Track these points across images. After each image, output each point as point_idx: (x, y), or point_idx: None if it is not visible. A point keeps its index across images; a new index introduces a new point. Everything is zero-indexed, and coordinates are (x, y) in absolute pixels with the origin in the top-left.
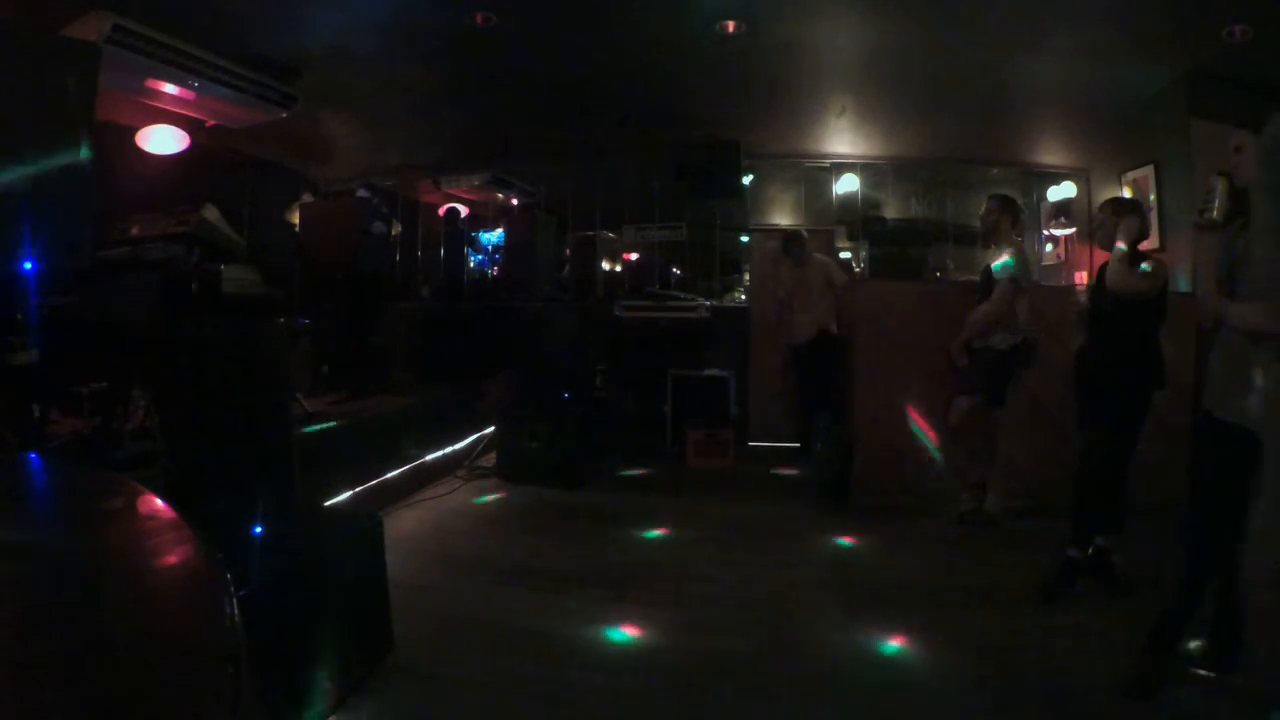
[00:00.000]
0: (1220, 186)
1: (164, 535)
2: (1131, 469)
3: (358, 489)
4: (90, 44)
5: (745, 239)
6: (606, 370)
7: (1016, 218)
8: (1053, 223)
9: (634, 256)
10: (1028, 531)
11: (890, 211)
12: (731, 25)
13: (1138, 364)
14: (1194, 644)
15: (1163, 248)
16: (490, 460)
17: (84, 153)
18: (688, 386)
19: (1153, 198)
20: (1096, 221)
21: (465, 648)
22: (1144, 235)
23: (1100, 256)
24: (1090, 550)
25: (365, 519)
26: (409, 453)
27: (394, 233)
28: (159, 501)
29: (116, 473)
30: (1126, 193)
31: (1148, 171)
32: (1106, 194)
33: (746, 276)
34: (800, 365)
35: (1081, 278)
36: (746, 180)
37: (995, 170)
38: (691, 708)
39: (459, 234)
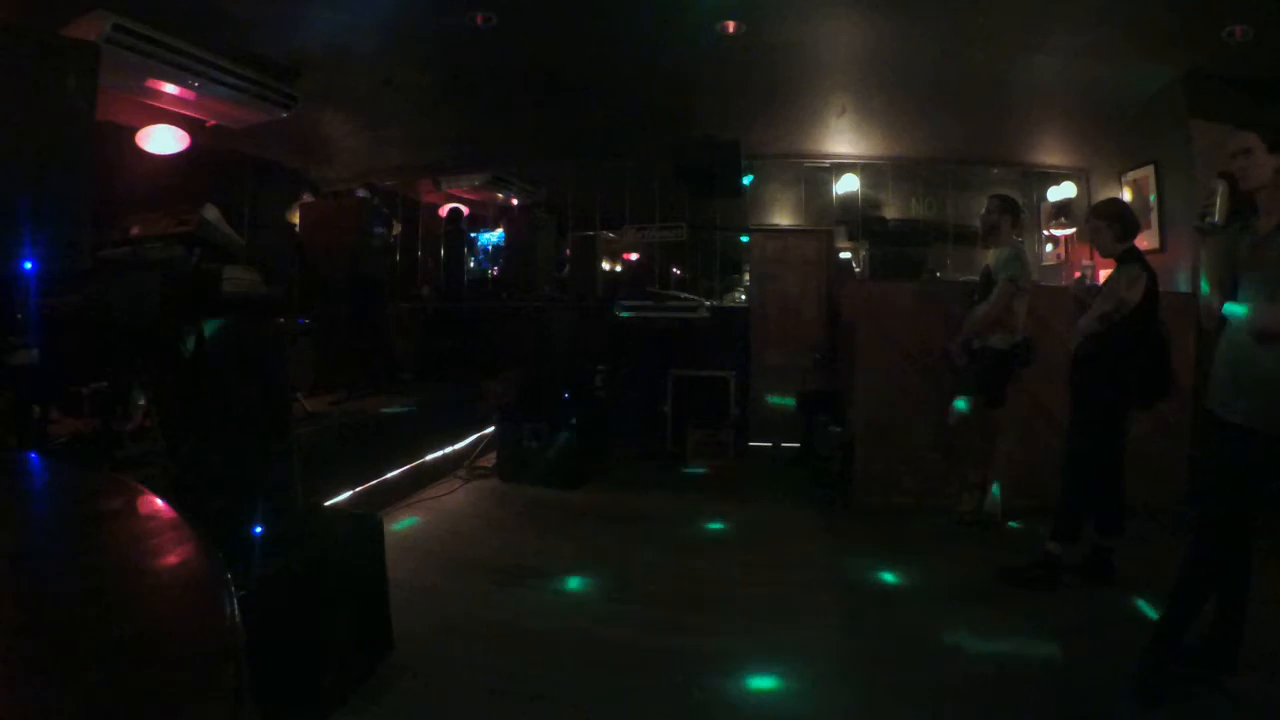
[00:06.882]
0: (1221, 189)
1: (164, 535)
2: (1124, 470)
3: (358, 489)
4: (90, 44)
5: (745, 239)
6: (606, 370)
7: (1017, 218)
8: (1053, 223)
9: (634, 256)
10: (1027, 531)
11: (890, 211)
12: (731, 25)
13: (1087, 369)
14: (1196, 645)
15: (1163, 248)
16: (490, 460)
17: (84, 153)
18: (688, 386)
19: (1153, 198)
20: (1091, 227)
21: (465, 648)
22: (1125, 239)
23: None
24: (1073, 549)
25: (365, 519)
26: (409, 453)
27: (394, 234)
28: (159, 501)
29: (116, 473)
30: (1126, 193)
31: (1148, 172)
32: (1106, 194)
33: (746, 276)
34: None
35: None
36: (746, 180)
37: (995, 170)
38: (690, 708)
39: (459, 234)
